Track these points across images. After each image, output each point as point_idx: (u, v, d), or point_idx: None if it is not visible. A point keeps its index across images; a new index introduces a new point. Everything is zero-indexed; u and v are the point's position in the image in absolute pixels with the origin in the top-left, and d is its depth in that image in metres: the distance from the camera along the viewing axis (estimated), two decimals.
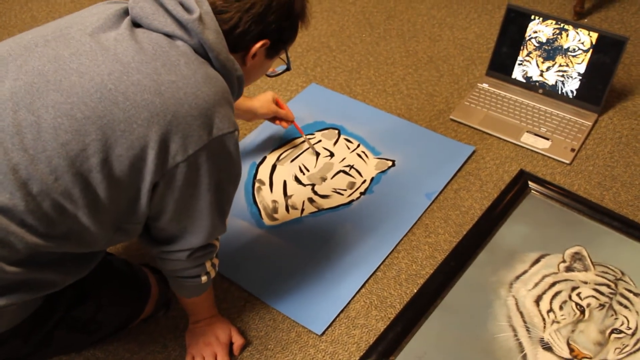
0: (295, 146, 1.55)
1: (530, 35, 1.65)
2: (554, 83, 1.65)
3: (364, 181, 1.46)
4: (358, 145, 1.56)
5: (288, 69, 1.05)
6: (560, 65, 1.63)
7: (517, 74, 1.70)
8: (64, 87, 0.75)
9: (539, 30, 1.63)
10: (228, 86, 0.86)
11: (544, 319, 1.16)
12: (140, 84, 0.76)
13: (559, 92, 1.65)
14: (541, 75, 1.66)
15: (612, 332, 1.13)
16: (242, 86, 0.92)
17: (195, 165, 0.82)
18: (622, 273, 1.23)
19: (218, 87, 0.83)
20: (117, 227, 0.86)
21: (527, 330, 1.15)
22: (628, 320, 1.15)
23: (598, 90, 1.60)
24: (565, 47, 1.61)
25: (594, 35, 1.56)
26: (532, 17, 1.63)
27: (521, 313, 1.18)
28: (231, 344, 1.13)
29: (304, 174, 1.48)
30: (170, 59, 0.79)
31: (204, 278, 1.00)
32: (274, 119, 1.47)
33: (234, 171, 0.90)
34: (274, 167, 1.50)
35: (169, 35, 0.82)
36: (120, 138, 0.76)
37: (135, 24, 0.83)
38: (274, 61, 1.00)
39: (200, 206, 0.87)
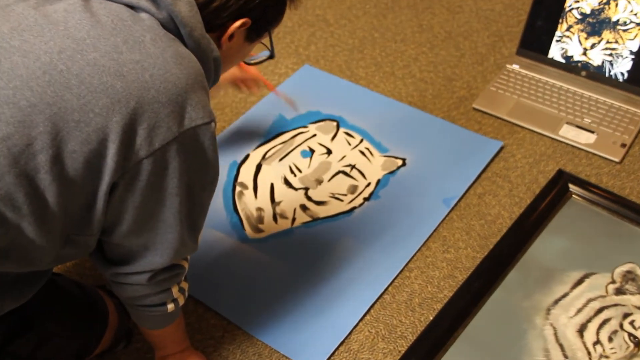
0: (285, 142, 1.56)
1: (571, 5, 1.66)
2: (600, 64, 1.67)
3: (368, 184, 1.47)
4: (361, 141, 1.57)
5: (271, 56, 1.06)
6: (607, 42, 1.64)
7: (555, 52, 1.72)
8: (4, 69, 0.75)
9: None
10: (203, 69, 0.87)
11: (589, 353, 1.17)
12: (97, 64, 0.77)
13: (607, 75, 1.67)
14: (584, 54, 1.68)
15: None
16: (219, 70, 0.93)
17: (162, 162, 0.82)
18: None
19: (191, 68, 0.83)
20: (67, 239, 0.86)
21: None
22: None
23: None
24: (614, 19, 1.62)
25: None
26: None
27: (561, 346, 1.19)
28: None
29: (295, 175, 1.49)
30: (133, 34, 0.79)
31: (170, 306, 1.00)
32: (235, 85, 1.45)
33: (209, 172, 0.90)
34: (258, 167, 1.51)
35: (131, 7, 0.82)
36: (74, 130, 0.76)
37: None
38: (255, 46, 1.01)
39: (166, 215, 0.87)
